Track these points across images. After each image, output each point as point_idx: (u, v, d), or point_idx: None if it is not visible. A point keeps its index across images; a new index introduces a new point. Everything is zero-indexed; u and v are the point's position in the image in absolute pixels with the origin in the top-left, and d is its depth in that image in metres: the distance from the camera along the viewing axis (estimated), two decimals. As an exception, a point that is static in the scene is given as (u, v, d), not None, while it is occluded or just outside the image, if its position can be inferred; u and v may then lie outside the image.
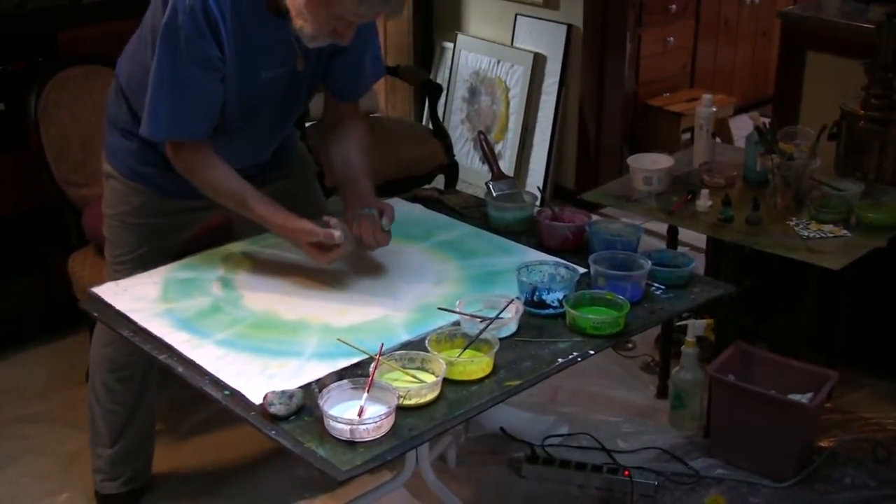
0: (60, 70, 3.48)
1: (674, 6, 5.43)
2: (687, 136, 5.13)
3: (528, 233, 2.64)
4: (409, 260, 2.52)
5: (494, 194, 2.72)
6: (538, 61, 4.87)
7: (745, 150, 3.24)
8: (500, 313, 2.14)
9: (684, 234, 3.35)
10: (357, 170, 2.52)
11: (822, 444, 3.11)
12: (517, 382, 2.01)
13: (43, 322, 3.80)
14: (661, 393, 3.42)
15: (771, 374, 3.07)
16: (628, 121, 5.22)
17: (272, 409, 1.88)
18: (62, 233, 3.47)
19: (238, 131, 2.45)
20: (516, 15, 4.95)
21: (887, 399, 3.37)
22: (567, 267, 2.34)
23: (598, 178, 4.70)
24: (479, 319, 2.12)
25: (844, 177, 3.22)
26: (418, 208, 2.83)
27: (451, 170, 4.45)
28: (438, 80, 5.19)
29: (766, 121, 3.28)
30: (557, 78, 4.81)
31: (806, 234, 2.89)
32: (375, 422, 1.82)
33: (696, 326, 3.22)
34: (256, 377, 2.01)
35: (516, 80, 4.94)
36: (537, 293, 2.23)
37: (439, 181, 4.40)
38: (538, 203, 2.73)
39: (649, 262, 2.33)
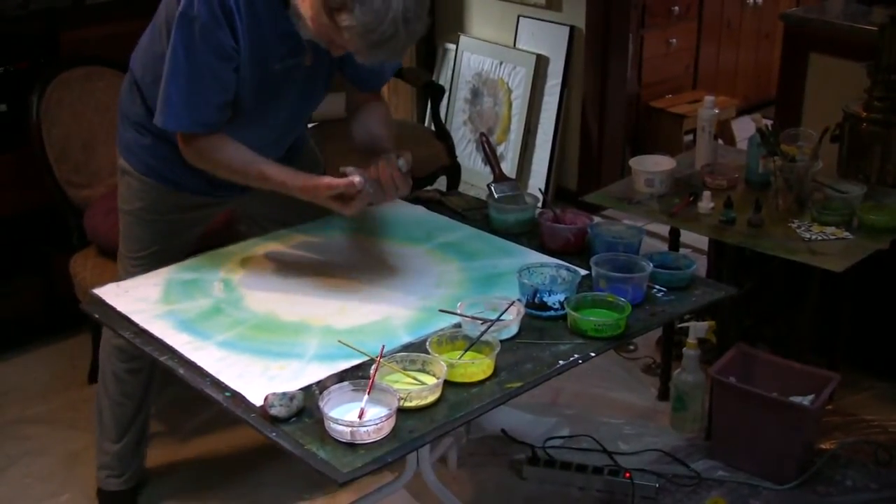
0: (63, 71, 3.48)
1: (676, 8, 5.43)
2: (689, 137, 5.13)
3: (529, 235, 2.63)
4: (411, 261, 2.51)
5: (496, 196, 2.72)
6: (541, 63, 4.87)
7: (748, 152, 3.23)
8: (501, 315, 2.14)
9: (686, 236, 3.34)
10: (378, 136, 2.53)
11: (823, 446, 3.11)
12: (518, 384, 2.00)
13: (44, 323, 3.80)
14: (663, 395, 3.42)
15: (772, 376, 3.06)
16: (631, 122, 5.22)
17: (273, 411, 1.88)
18: (64, 233, 3.47)
19: (253, 125, 2.45)
20: (519, 16, 4.95)
21: (889, 401, 3.36)
22: (568, 269, 2.34)
23: (601, 179, 4.70)
24: (481, 321, 2.12)
25: (847, 179, 3.22)
26: (420, 210, 2.83)
27: (454, 171, 4.45)
28: (441, 82, 5.19)
29: (769, 122, 3.28)
30: (560, 79, 4.82)
31: (808, 236, 2.89)
32: (376, 424, 1.82)
33: (698, 328, 3.22)
34: (257, 379, 2.01)
35: (519, 81, 4.94)
36: (538, 295, 2.23)
37: (441, 183, 4.40)
38: (540, 205, 2.73)
39: (651, 265, 2.32)
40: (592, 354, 2.12)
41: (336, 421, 1.83)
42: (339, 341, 2.11)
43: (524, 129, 4.92)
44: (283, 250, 2.57)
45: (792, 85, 4.11)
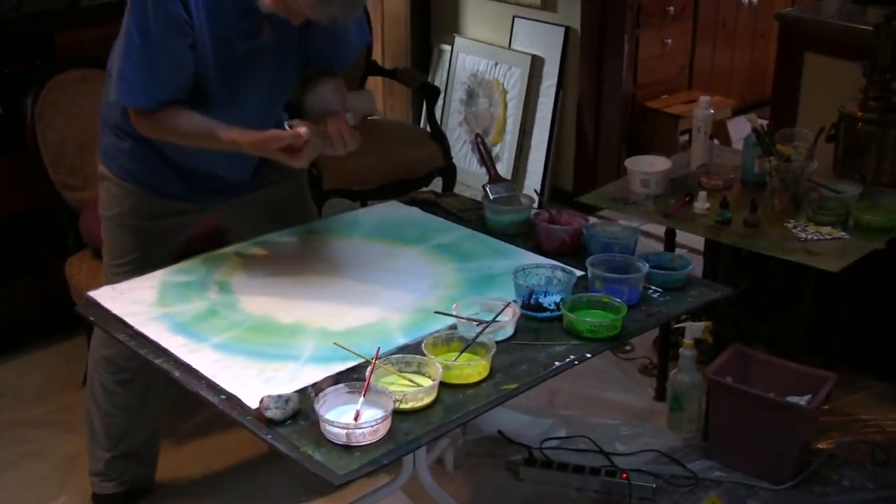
0: (58, 73, 3.48)
1: (672, 8, 5.43)
2: (685, 137, 5.13)
3: (525, 235, 2.64)
4: (406, 263, 2.52)
5: (491, 197, 2.72)
6: (536, 63, 4.86)
7: (743, 153, 3.24)
8: (496, 316, 2.14)
9: (682, 236, 3.34)
10: (330, 102, 2.51)
11: (820, 446, 3.11)
12: (514, 386, 2.00)
13: (41, 325, 3.79)
14: (660, 395, 3.42)
15: (769, 376, 3.06)
16: (626, 123, 5.22)
17: (268, 414, 1.88)
18: (59, 236, 3.46)
19: (223, 110, 2.43)
20: (514, 17, 4.95)
21: (886, 401, 3.36)
22: (564, 270, 2.34)
23: (596, 180, 4.70)
24: (476, 323, 2.12)
25: (842, 179, 3.22)
26: (415, 211, 2.83)
27: (449, 172, 4.45)
28: (436, 83, 5.19)
29: (764, 122, 3.28)
30: (555, 80, 4.81)
31: (804, 236, 2.89)
32: (372, 426, 1.82)
33: (694, 329, 3.22)
34: (253, 381, 2.00)
35: (514, 82, 4.94)
36: (534, 296, 2.23)
37: (437, 184, 4.39)
38: (535, 206, 2.73)
39: (647, 265, 2.32)
40: (588, 355, 2.12)
41: (332, 423, 1.82)
42: (335, 343, 2.11)
43: (520, 130, 4.92)
44: (278, 252, 2.57)
45: (787, 85, 4.12)
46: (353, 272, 2.47)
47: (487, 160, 2.89)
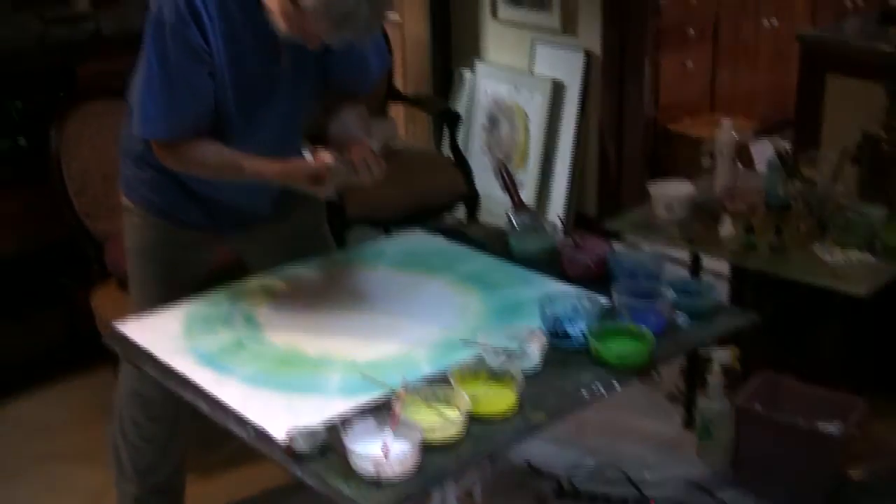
0: (81, 104, 3.50)
1: (692, 30, 5.42)
2: (708, 161, 5.10)
3: (550, 263, 2.62)
4: (432, 292, 2.51)
5: (516, 226, 2.71)
6: (557, 88, 4.86)
7: (767, 176, 3.22)
8: (523, 346, 2.12)
9: (708, 261, 3.32)
10: (352, 127, 2.50)
11: (852, 473, 3.07)
12: (542, 417, 1.98)
13: (67, 357, 3.80)
14: (688, 423, 3.39)
15: (798, 402, 3.03)
16: (649, 146, 5.19)
17: (296, 447, 1.87)
18: (84, 267, 3.47)
19: (241, 138, 2.43)
20: (534, 41, 4.95)
21: (917, 426, 3.33)
22: (590, 297, 2.32)
23: (620, 204, 4.68)
24: (503, 352, 2.11)
25: (868, 201, 3.20)
26: (440, 240, 2.82)
27: (472, 199, 4.44)
28: (457, 109, 5.19)
29: (787, 144, 3.26)
30: (577, 104, 4.81)
31: (830, 259, 2.86)
32: (400, 459, 1.81)
33: (722, 356, 3.19)
34: (280, 414, 1.99)
35: (536, 107, 4.93)
36: (560, 324, 2.22)
37: (460, 210, 4.39)
38: (560, 232, 2.72)
39: (672, 292, 2.31)
40: (616, 384, 2.10)
41: (360, 456, 1.81)
42: (362, 374, 2.10)
43: (542, 156, 4.92)
44: (303, 283, 2.56)
45: (809, 106, 4.09)
46: (379, 303, 2.46)
47: (511, 188, 2.88)
